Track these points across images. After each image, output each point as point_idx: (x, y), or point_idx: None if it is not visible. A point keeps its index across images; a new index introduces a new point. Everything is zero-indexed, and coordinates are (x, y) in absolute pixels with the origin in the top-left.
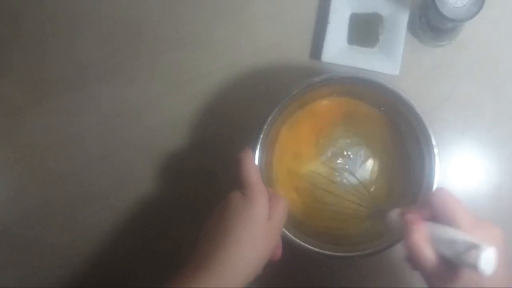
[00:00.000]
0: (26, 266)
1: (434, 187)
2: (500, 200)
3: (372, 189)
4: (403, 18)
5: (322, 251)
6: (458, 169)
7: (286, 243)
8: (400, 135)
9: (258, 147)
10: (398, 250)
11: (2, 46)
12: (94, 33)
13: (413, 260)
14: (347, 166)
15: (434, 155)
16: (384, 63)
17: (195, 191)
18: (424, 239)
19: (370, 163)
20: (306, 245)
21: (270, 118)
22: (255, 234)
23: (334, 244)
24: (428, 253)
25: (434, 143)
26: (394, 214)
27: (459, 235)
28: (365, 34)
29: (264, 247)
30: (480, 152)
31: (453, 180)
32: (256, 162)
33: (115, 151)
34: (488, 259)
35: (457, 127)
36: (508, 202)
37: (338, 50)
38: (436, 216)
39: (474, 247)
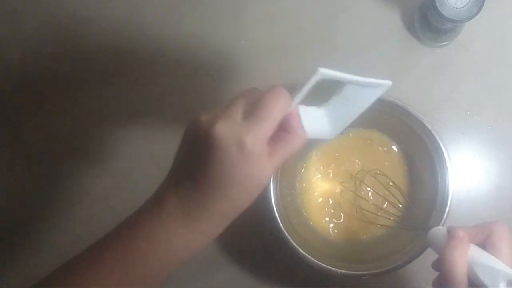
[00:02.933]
0: (26, 266)
1: (449, 201)
2: (500, 200)
3: (385, 205)
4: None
5: (336, 269)
6: (458, 169)
7: (300, 261)
8: (412, 154)
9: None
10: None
11: (2, 46)
12: (94, 33)
13: (442, 275)
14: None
15: (447, 169)
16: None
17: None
18: (464, 258)
19: (382, 180)
20: (320, 263)
21: None
22: (250, 186)
23: (346, 261)
24: (461, 274)
25: (446, 156)
26: (439, 232)
27: (502, 265)
28: None
29: (257, 188)
30: (480, 152)
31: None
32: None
33: (115, 151)
34: None
35: (457, 127)
36: (508, 202)
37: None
38: (484, 242)
39: None
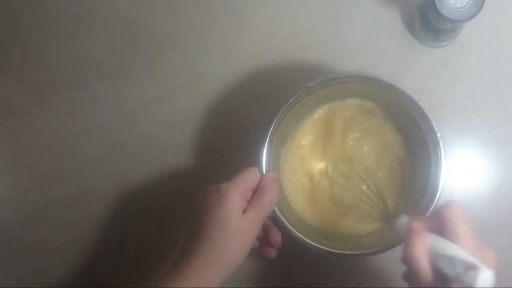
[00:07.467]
0: (26, 266)
1: (440, 186)
2: (500, 200)
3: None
4: None
5: (326, 248)
6: (458, 169)
7: (288, 237)
8: (407, 139)
9: (267, 139)
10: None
11: (2, 46)
12: (94, 33)
13: (409, 270)
14: (357, 168)
15: (441, 156)
16: None
17: (195, 191)
18: (423, 251)
19: (378, 166)
20: (311, 242)
21: (275, 120)
22: (226, 230)
23: (338, 242)
24: (424, 267)
25: (438, 135)
26: (403, 221)
27: (460, 253)
28: None
29: (238, 242)
30: (480, 152)
31: (453, 180)
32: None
33: (115, 151)
34: (485, 282)
35: (457, 127)
36: (508, 202)
37: None
38: (442, 228)
39: (473, 267)
